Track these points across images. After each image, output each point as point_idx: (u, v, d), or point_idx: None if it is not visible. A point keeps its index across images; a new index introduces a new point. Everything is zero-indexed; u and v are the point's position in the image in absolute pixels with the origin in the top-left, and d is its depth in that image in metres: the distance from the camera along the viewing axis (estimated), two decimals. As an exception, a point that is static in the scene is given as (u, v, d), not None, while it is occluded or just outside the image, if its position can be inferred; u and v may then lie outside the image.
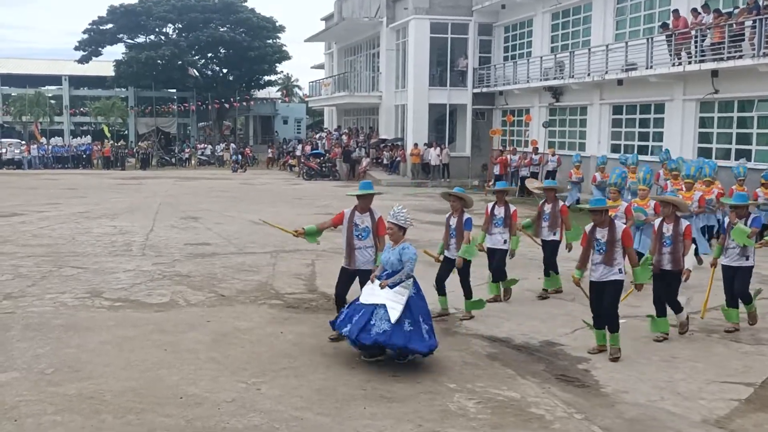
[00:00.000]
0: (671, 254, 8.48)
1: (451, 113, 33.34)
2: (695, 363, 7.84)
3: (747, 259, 8.96)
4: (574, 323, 9.21)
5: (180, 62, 53.30)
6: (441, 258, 9.54)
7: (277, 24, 55.98)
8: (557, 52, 27.78)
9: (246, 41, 53.12)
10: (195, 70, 55.55)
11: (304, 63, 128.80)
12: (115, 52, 57.31)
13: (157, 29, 54.84)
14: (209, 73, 58.11)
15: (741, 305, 9.15)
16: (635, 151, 22.64)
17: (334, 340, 8.26)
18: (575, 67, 25.60)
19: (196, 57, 56.52)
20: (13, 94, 57.43)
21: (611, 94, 24.61)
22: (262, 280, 11.61)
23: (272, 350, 8.06)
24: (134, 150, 46.13)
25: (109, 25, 54.22)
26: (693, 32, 19.80)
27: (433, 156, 31.25)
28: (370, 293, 7.59)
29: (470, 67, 32.49)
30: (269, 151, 47.55)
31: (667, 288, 8.63)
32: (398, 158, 33.22)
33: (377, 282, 7.59)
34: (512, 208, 10.32)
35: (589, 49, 25.03)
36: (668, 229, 8.56)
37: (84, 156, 43.48)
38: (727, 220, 9.15)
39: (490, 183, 27.43)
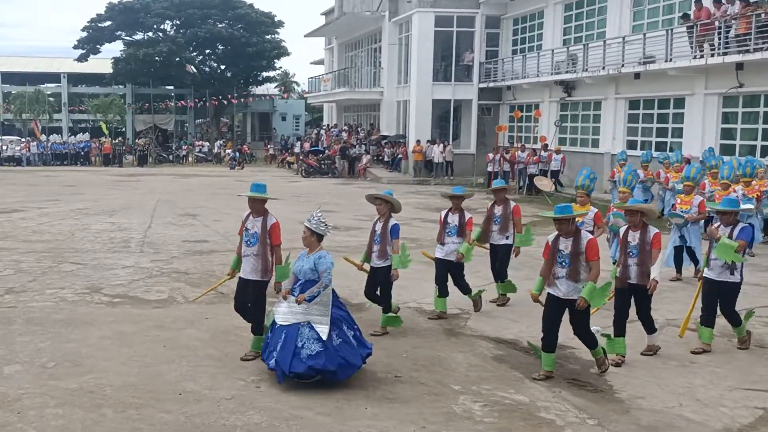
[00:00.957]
0: (638, 266, 7.67)
1: (455, 109, 33.06)
2: (716, 368, 7.63)
3: (733, 273, 7.98)
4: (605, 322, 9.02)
5: (178, 59, 53.51)
6: (365, 266, 8.79)
7: (276, 19, 56.26)
8: (570, 45, 27.40)
9: (244, 37, 53.33)
10: (193, 67, 55.63)
11: (304, 59, 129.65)
12: (114, 49, 58.04)
13: (155, 26, 55.24)
14: (207, 69, 58.25)
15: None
16: (652, 148, 22.35)
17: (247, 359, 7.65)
18: (589, 60, 25.23)
19: (194, 53, 56.74)
20: (13, 92, 58.00)
21: (627, 88, 24.22)
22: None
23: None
24: (132, 147, 46.19)
25: (108, 23, 54.74)
26: (717, 23, 19.42)
27: (437, 153, 30.97)
28: (288, 311, 6.94)
29: (476, 62, 32.19)
30: (270, 146, 47.47)
31: (638, 305, 7.84)
32: (400, 155, 32.96)
33: (292, 298, 6.93)
34: (512, 205, 9.99)
35: (605, 42, 24.67)
36: (634, 238, 7.77)
37: (82, 153, 43.75)
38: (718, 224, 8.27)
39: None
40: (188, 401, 6.52)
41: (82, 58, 55.99)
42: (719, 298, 8.07)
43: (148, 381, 7.00)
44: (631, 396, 6.85)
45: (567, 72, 26.58)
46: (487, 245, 10.17)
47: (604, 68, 24.31)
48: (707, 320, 8.12)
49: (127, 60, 53.60)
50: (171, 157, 45.94)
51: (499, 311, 9.95)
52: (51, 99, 58.32)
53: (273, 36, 56.70)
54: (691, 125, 21.45)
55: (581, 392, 6.94)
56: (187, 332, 8.47)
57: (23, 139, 46.26)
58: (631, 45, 23.19)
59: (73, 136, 49.93)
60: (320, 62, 51.27)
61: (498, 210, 9.96)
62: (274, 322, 7.06)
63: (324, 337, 6.75)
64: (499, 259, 10.05)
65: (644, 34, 22.87)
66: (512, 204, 10.03)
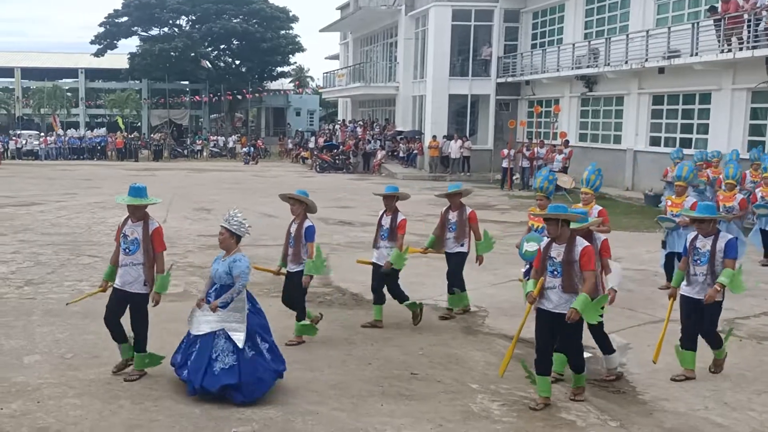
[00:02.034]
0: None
1: (472, 104, 32.90)
2: (744, 372, 7.46)
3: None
4: (607, 326, 8.78)
5: (193, 54, 53.92)
6: (283, 271, 8.18)
7: (291, 14, 56.44)
8: (591, 39, 27.08)
9: (259, 32, 53.54)
10: (208, 62, 56.06)
11: (319, 53, 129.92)
12: (130, 45, 58.62)
13: (170, 21, 55.62)
14: (222, 64, 58.57)
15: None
16: (677, 145, 22.06)
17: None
18: (611, 54, 24.92)
19: (209, 49, 57.11)
20: (31, 87, 58.74)
21: (651, 83, 23.91)
22: (266, 275, 11.46)
23: (286, 343, 7.95)
24: (147, 142, 46.54)
25: (124, 18, 55.27)
26: (746, 16, 19.12)
27: (454, 149, 30.82)
28: (203, 320, 6.51)
29: (494, 56, 31.98)
30: (288, 140, 47.53)
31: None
32: (415, 151, 32.85)
33: (206, 306, 6.51)
34: (467, 211, 9.20)
35: (627, 35, 24.36)
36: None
37: (99, 147, 44.15)
38: (692, 236, 7.30)
39: (515, 176, 27.08)
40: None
41: (99, 54, 56.68)
42: (700, 319, 7.14)
43: (164, 373, 7.00)
44: (655, 398, 6.73)
45: (588, 66, 26.30)
46: (443, 253, 9.44)
47: (626, 63, 24.03)
48: (688, 343, 7.20)
49: (143, 55, 54.10)
50: (186, 151, 46.17)
51: (517, 310, 9.75)
52: (68, 94, 59.15)
53: (288, 31, 56.89)
54: (718, 121, 21.10)
55: (603, 393, 6.85)
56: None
57: (41, 134, 46.79)
58: (656, 39, 22.88)
59: (90, 131, 50.45)
60: (335, 57, 51.28)
61: (453, 216, 9.21)
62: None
63: (240, 344, 6.32)
64: (451, 269, 9.29)
65: (669, 28, 22.53)
66: (468, 210, 9.26)
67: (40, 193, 23.07)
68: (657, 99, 24.16)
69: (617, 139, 25.98)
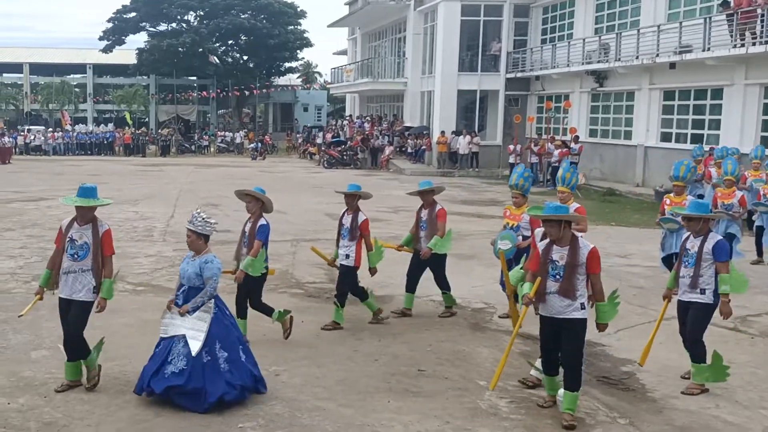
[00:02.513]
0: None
1: (481, 100, 32.84)
2: (756, 369, 7.43)
3: (703, 292, 6.70)
4: (618, 323, 8.80)
5: (201, 50, 54.02)
6: (237, 272, 7.85)
7: (299, 10, 56.49)
8: (602, 34, 27.03)
9: (267, 28, 53.62)
10: (215, 58, 56.10)
11: (326, 49, 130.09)
12: (138, 40, 58.93)
13: (178, 17, 55.87)
14: (230, 60, 58.67)
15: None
16: (688, 141, 21.94)
17: None
18: (622, 49, 24.83)
19: (217, 44, 57.20)
20: (40, 83, 58.98)
21: (662, 78, 23.80)
22: (283, 268, 11.69)
23: (292, 339, 8.06)
24: (155, 137, 46.72)
25: (132, 14, 55.61)
26: (759, 10, 18.97)
27: (463, 144, 30.78)
28: (170, 323, 6.29)
29: (504, 51, 31.89)
30: (298, 136, 47.55)
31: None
32: (423, 147, 32.82)
33: (176, 309, 6.27)
34: (437, 208, 8.96)
35: (638, 30, 24.26)
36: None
37: (106, 143, 44.33)
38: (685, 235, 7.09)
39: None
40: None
41: (107, 49, 56.99)
42: (685, 323, 6.84)
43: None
44: (665, 396, 6.70)
45: (599, 62, 26.21)
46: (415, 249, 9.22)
47: (637, 58, 23.92)
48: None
49: (151, 51, 54.30)
50: (193, 147, 46.28)
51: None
52: (76, 89, 59.37)
53: (295, 27, 56.93)
54: (730, 117, 20.99)
55: (612, 391, 6.81)
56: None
57: (50, 129, 46.95)
58: (667, 34, 22.75)
59: (98, 126, 50.68)
60: (343, 52, 51.27)
61: (424, 214, 9.06)
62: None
63: (194, 352, 6.05)
64: (434, 270, 9.13)
65: (680, 23, 22.42)
66: (438, 207, 9.09)
67: (48, 189, 23.15)
68: (668, 94, 24.04)
69: (628, 135, 25.88)
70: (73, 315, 6.44)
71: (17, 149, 41.20)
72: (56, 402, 6.23)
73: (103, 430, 5.74)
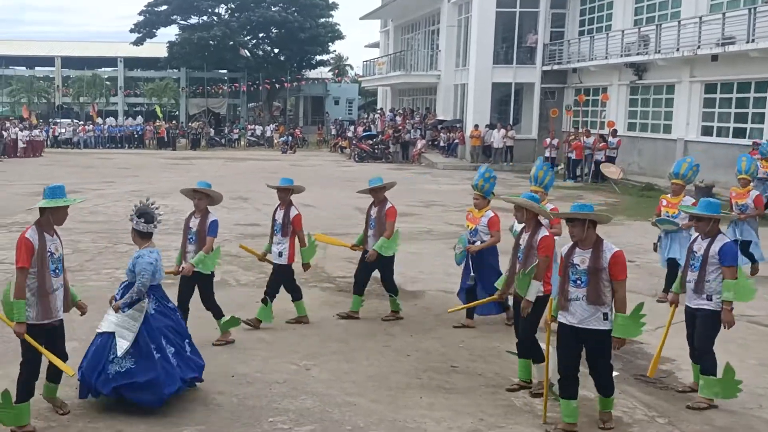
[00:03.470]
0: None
1: (516, 93, 32.61)
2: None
3: (709, 299, 6.32)
4: (656, 320, 8.68)
5: (231, 43, 54.34)
6: (180, 269, 7.56)
7: (330, 2, 56.45)
8: (641, 26, 26.65)
9: (298, 21, 53.70)
10: (246, 51, 56.46)
11: (358, 41, 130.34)
12: (169, 33, 59.55)
13: (209, 10, 56.21)
14: (260, 53, 58.93)
15: None
16: (730, 135, 21.52)
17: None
18: (662, 41, 24.44)
19: (248, 37, 57.47)
20: (71, 76, 59.94)
21: (704, 71, 23.39)
22: (313, 262, 11.52)
23: (323, 334, 8.17)
24: (185, 131, 47.18)
25: (163, 7, 55.97)
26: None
27: (497, 138, 30.58)
28: (106, 318, 6.18)
29: (540, 43, 31.59)
30: (332, 128, 47.68)
31: (523, 322, 6.49)
32: (456, 140, 32.68)
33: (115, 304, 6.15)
34: (387, 206, 8.59)
35: (679, 22, 23.87)
36: (524, 240, 6.50)
37: (136, 136, 44.86)
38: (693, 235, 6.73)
39: (560, 167, 26.77)
40: (240, 383, 6.60)
41: (138, 43, 57.61)
42: (693, 331, 6.51)
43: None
44: (706, 395, 6.58)
45: (638, 54, 25.86)
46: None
47: (678, 50, 23.56)
48: (695, 357, 6.62)
49: (182, 44, 54.70)
50: (223, 140, 46.63)
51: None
52: (107, 83, 60.17)
53: (327, 19, 57.00)
54: (775, 110, 20.60)
55: (650, 389, 6.75)
56: (239, 315, 8.43)
57: (80, 122, 47.67)
58: (709, 25, 22.36)
59: (130, 119, 51.31)
60: (375, 45, 51.23)
61: (374, 212, 8.67)
62: None
63: (120, 353, 5.89)
64: (381, 271, 8.75)
65: (723, 14, 22.02)
66: (388, 205, 8.67)
67: (79, 182, 23.48)
68: (710, 87, 23.63)
69: (667, 129, 25.51)
70: (60, 338, 5.93)
71: (48, 142, 41.86)
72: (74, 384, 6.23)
73: (133, 422, 5.76)
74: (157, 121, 48.11)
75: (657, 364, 6.83)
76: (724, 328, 6.33)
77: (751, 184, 10.95)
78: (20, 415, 5.48)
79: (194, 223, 7.54)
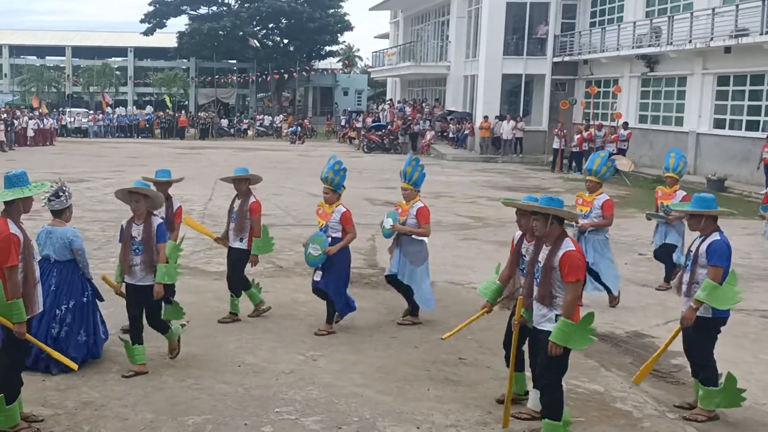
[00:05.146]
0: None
1: (526, 84, 32.46)
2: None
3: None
4: (667, 314, 8.75)
5: (241, 33, 54.37)
6: (122, 286, 6.71)
7: (340, -8, 56.30)
8: (653, 17, 26.49)
9: (307, 11, 53.66)
10: (255, 41, 56.44)
11: (368, 32, 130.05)
12: (179, 24, 59.67)
13: (219, 0, 56.03)
14: (270, 43, 58.95)
15: None
16: (743, 128, 21.34)
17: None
18: (674, 33, 24.29)
19: (257, 28, 57.51)
20: (81, 66, 60.10)
21: (716, 63, 23.23)
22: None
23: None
24: (193, 120, 47.24)
25: (174, -3, 55.90)
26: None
27: (506, 130, 30.46)
28: None
29: (551, 34, 31.42)
30: (342, 118, 47.50)
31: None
32: (466, 132, 32.57)
33: None
34: (251, 200, 8.03)
35: (692, 13, 23.71)
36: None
37: (146, 125, 44.95)
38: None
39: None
40: (247, 373, 6.59)
41: (148, 33, 57.88)
42: (686, 338, 6.09)
43: (207, 351, 7.12)
44: (717, 390, 6.50)
45: (650, 46, 25.71)
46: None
47: (690, 42, 23.38)
48: (695, 369, 6.16)
49: (192, 34, 54.85)
50: (232, 130, 46.66)
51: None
52: (117, 72, 60.37)
53: (336, 9, 56.90)
54: (789, 103, 20.44)
55: (661, 384, 6.70)
56: (246, 305, 8.44)
57: (90, 112, 47.77)
58: (722, 17, 22.22)
59: (139, 109, 51.48)
60: (385, 36, 51.11)
61: (236, 204, 8.07)
62: None
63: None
64: (230, 266, 8.18)
65: (737, 5, 21.84)
66: (252, 199, 8.09)
67: (88, 170, 23.56)
68: (722, 80, 23.46)
69: (679, 121, 25.36)
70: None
71: (58, 131, 41.98)
72: (94, 382, 6.32)
73: (140, 411, 5.79)
74: (167, 110, 48.21)
75: (648, 370, 6.41)
76: (681, 324, 5.95)
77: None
78: (13, 416, 5.35)
79: (137, 231, 6.48)
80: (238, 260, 8.14)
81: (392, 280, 8.21)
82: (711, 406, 5.90)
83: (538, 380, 5.54)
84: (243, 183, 8.06)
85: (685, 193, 9.69)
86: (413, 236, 8.01)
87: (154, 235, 6.44)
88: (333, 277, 7.67)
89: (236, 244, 8.06)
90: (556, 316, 5.23)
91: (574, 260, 5.20)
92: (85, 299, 6.61)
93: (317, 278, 7.76)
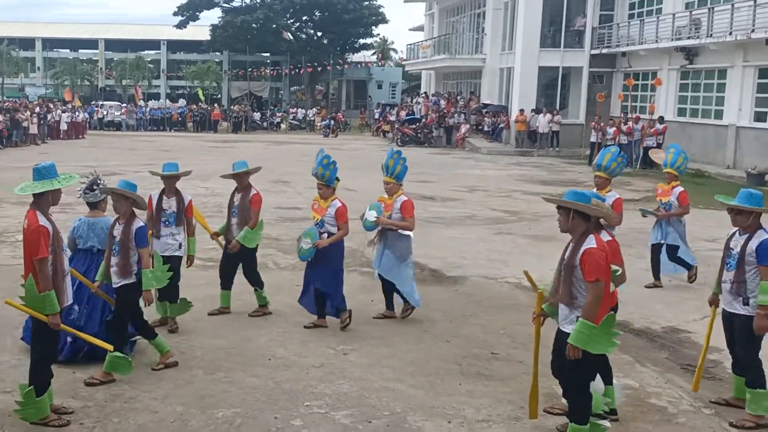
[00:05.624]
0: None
1: (563, 77, 32.15)
2: None
3: (746, 302, 5.66)
4: (704, 309, 8.48)
5: (274, 26, 54.54)
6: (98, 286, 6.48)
7: (374, -16, 56.26)
8: (693, 9, 26.14)
9: (341, 3, 53.62)
10: (289, 34, 56.66)
11: (402, 25, 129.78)
12: (212, 16, 60.17)
13: (253, -8, 56.35)
14: (303, 36, 59.09)
15: None
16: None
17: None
18: (714, 24, 23.92)
19: (291, 20, 57.67)
20: (114, 59, 60.95)
21: (758, 55, 22.77)
22: (353, 246, 11.65)
23: (361, 318, 8.00)
24: (226, 113, 47.60)
25: (207, -11, 56.39)
26: None
27: (543, 123, 30.20)
28: None
29: (588, 26, 31.10)
30: (376, 112, 47.36)
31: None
32: (501, 125, 32.37)
33: None
34: (252, 192, 8.00)
35: (733, 5, 23.31)
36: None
37: (179, 119, 45.37)
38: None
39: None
40: (277, 367, 6.61)
41: (181, 26, 58.34)
42: (732, 337, 5.89)
43: (237, 345, 7.14)
44: (755, 386, 6.38)
45: (689, 38, 25.33)
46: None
47: (731, 33, 22.98)
48: (735, 366, 6.00)
49: (225, 27, 55.18)
50: (265, 124, 46.90)
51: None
52: (150, 66, 61.00)
53: (371, 2, 56.86)
54: (832, 95, 19.96)
55: (696, 379, 6.57)
56: (277, 298, 8.48)
57: (123, 105, 48.52)
58: (764, 8, 21.79)
59: (176, 103, 51.99)
60: (420, 28, 51.01)
61: (237, 199, 8.07)
62: None
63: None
64: (244, 262, 8.15)
65: (780, -4, 21.42)
66: (253, 192, 8.06)
67: (121, 164, 23.82)
68: (764, 72, 23.02)
69: (718, 115, 24.94)
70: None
71: (91, 124, 42.55)
72: (124, 374, 6.38)
73: (170, 404, 5.83)
74: (200, 103, 48.62)
75: (699, 378, 6.15)
76: (756, 333, 5.65)
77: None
78: (43, 408, 5.40)
79: (117, 231, 6.24)
80: (247, 255, 8.10)
81: (380, 275, 8.04)
82: (760, 411, 5.62)
83: (563, 385, 5.36)
84: (244, 177, 8.06)
85: (682, 189, 9.46)
86: (399, 231, 7.87)
87: (132, 238, 6.17)
88: (324, 273, 7.55)
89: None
90: (577, 317, 5.00)
91: (594, 259, 4.92)
92: None
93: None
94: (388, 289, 8.09)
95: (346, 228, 7.57)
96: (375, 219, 7.82)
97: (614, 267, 5.25)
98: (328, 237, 7.51)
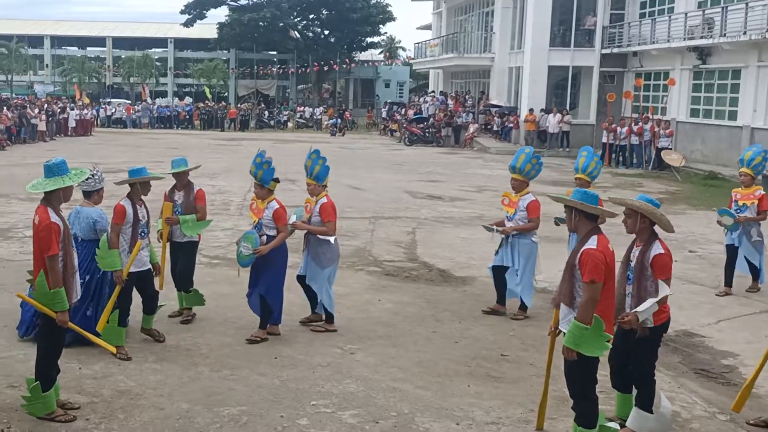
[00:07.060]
0: (635, 297, 5.35)
1: (573, 76, 32.04)
2: None
3: None
4: (719, 313, 8.60)
5: (281, 24, 54.69)
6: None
7: (381, -18, 56.32)
8: (706, 8, 25.92)
9: (348, 2, 53.69)
10: (296, 32, 56.78)
11: (410, 23, 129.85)
12: (219, 15, 60.28)
13: (260, -10, 56.44)
14: (310, 35, 59.18)
15: None
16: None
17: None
18: (728, 24, 23.71)
19: (298, 19, 57.78)
20: (122, 56, 61.19)
21: (773, 55, 22.68)
22: (360, 245, 11.81)
23: (369, 318, 8.09)
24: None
25: (215, -13, 56.55)
26: None
27: (552, 123, 30.10)
28: None
29: (599, 26, 30.97)
30: (383, 111, 47.34)
31: (634, 354, 5.47)
32: (510, 125, 32.28)
33: None
34: (195, 189, 7.84)
35: (747, 4, 23.04)
36: (634, 256, 5.39)
37: (187, 116, 45.48)
38: None
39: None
40: (283, 366, 6.60)
41: (188, 24, 58.52)
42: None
43: (243, 343, 7.15)
44: (771, 392, 6.36)
45: (702, 37, 25.12)
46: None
47: (745, 33, 22.79)
48: None
49: (232, 25, 55.34)
50: (272, 122, 46.94)
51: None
52: (158, 63, 61.21)
53: (378, 0, 56.87)
54: None
55: (711, 384, 6.58)
56: (284, 297, 8.45)
57: (128, 103, 48.66)
58: (778, 7, 21.64)
59: (183, 100, 52.13)
60: (427, 27, 51.01)
61: (179, 197, 7.82)
62: None
63: None
64: (182, 261, 7.87)
65: (796, -6, 21.27)
66: (196, 188, 7.88)
67: (128, 161, 23.81)
68: (779, 72, 22.85)
69: (732, 116, 24.76)
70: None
71: (98, 121, 42.68)
72: (130, 371, 6.39)
73: (176, 401, 5.83)
74: (207, 101, 48.71)
75: (746, 399, 5.67)
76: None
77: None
78: (50, 403, 5.42)
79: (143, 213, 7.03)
80: (192, 253, 7.95)
81: (301, 281, 7.67)
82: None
83: (569, 387, 5.26)
84: (184, 176, 7.85)
85: (599, 196, 9.07)
86: (319, 236, 7.42)
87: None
88: (266, 279, 7.16)
89: (186, 238, 7.75)
90: (574, 318, 4.98)
91: (591, 259, 4.87)
92: (99, 276, 6.86)
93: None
94: (312, 295, 7.68)
95: (286, 231, 7.21)
96: (292, 224, 7.42)
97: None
98: (267, 240, 7.13)
